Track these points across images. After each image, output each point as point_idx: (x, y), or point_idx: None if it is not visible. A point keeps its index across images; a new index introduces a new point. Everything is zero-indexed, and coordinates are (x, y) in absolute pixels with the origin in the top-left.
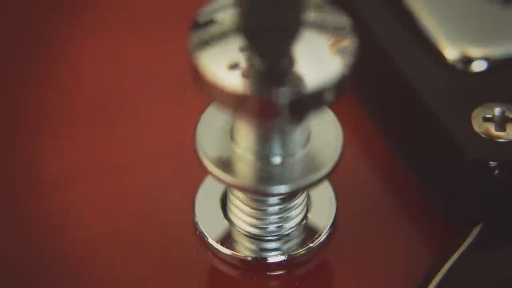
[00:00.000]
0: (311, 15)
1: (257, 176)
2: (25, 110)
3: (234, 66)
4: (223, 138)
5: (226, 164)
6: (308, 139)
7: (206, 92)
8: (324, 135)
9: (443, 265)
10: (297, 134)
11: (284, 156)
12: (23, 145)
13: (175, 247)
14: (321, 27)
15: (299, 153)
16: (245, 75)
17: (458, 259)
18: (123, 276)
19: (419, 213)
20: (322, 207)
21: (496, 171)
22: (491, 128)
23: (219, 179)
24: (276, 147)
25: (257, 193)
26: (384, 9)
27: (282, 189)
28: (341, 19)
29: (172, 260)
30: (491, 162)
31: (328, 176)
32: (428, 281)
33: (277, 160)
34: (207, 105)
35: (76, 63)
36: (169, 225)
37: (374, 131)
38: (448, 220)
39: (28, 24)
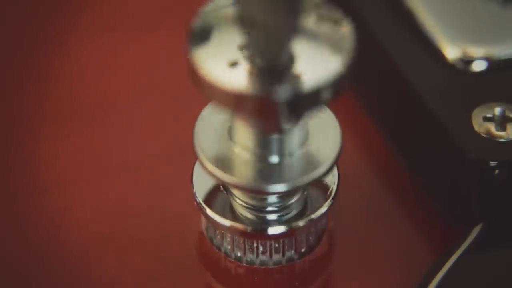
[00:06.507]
0: (310, 14)
1: (255, 175)
2: (22, 110)
3: (232, 65)
4: (222, 137)
5: (224, 163)
6: (306, 138)
7: (205, 91)
8: (322, 134)
9: (443, 265)
10: (296, 133)
11: (282, 155)
12: (20, 145)
13: (174, 247)
14: (319, 26)
15: (297, 152)
16: (243, 74)
17: (458, 259)
18: (122, 276)
19: (419, 213)
20: (324, 178)
21: (496, 171)
22: (492, 128)
23: (217, 178)
24: (274, 146)
25: (255, 192)
26: (384, 9)
27: (280, 188)
28: (340, 18)
29: (173, 260)
30: (491, 162)
31: (326, 175)
32: (428, 281)
33: (275, 159)
34: (205, 104)
35: (74, 63)
36: (168, 225)
37: (374, 130)
38: (448, 219)
39: (24, 25)
